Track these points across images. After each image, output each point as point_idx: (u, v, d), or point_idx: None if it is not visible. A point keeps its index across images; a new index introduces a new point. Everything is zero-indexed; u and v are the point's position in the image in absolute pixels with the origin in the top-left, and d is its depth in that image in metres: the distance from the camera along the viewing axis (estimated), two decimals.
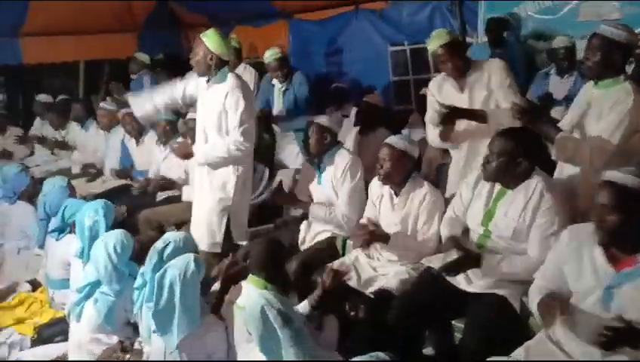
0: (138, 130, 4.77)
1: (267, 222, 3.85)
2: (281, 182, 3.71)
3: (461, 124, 2.95)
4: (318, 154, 3.33)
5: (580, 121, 2.49)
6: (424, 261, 2.68)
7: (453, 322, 2.54)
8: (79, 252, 3.08)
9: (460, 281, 2.48)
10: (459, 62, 2.92)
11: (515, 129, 2.45)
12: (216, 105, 3.22)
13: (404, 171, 2.86)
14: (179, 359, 2.36)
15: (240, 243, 3.39)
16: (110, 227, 3.02)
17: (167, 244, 2.54)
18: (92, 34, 6.39)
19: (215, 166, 3.33)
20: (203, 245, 3.20)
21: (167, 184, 4.33)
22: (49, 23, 5.92)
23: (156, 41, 6.72)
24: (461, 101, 2.93)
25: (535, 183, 2.38)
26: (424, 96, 4.46)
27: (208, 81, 3.27)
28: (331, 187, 3.25)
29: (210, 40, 3.19)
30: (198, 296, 2.37)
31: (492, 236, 2.45)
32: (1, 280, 3.84)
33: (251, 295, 2.25)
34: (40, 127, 5.89)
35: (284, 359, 2.07)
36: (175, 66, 6.35)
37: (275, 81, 4.80)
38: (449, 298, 2.48)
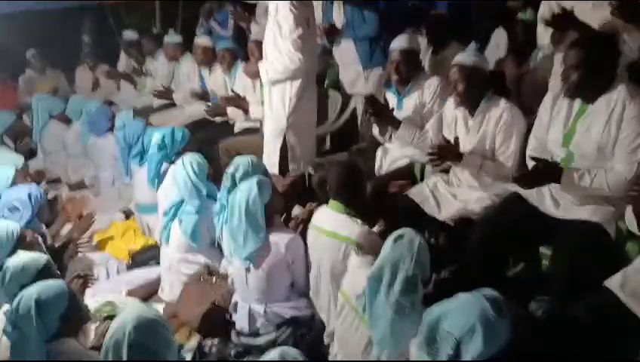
0: (208, 60, 4.78)
1: (343, 150, 3.79)
2: (355, 110, 3.60)
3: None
4: (405, 82, 3.11)
5: None
6: (509, 186, 2.52)
7: (541, 249, 2.41)
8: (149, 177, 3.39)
9: (548, 207, 2.33)
10: None
11: (588, 36, 2.23)
12: (272, 18, 3.22)
13: (479, 88, 2.65)
14: (256, 275, 2.49)
15: (293, 171, 3.40)
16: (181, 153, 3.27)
17: (237, 168, 2.72)
18: None
19: (275, 82, 3.31)
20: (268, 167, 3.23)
21: (236, 99, 4.26)
22: None
23: None
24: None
25: (617, 93, 2.15)
26: (507, 10, 4.13)
27: None
28: (416, 112, 3.08)
29: None
30: (262, 214, 2.47)
31: (575, 157, 2.25)
32: (99, 210, 4.13)
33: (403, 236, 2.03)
34: (125, 62, 6.10)
35: (379, 320, 1.94)
36: None
37: None
38: (536, 224, 2.34)
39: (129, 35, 6.01)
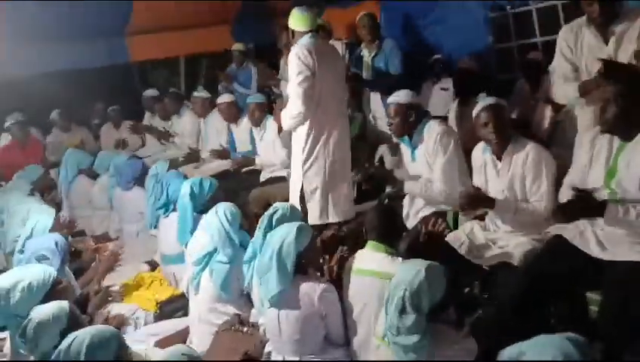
0: (234, 116, 4.90)
1: (370, 199, 3.77)
2: (382, 158, 3.60)
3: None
4: (405, 134, 3.16)
5: None
6: (551, 229, 2.46)
7: (587, 294, 2.33)
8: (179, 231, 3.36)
9: (593, 249, 2.26)
10: (609, 6, 2.57)
11: (622, 71, 2.25)
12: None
13: (508, 126, 2.70)
14: (289, 325, 2.40)
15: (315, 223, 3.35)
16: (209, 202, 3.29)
17: (276, 211, 2.76)
18: (190, 29, 6.60)
19: (292, 128, 3.43)
20: None
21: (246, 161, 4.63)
22: (151, 21, 6.19)
23: (248, 31, 6.83)
24: (603, 53, 2.59)
25: None
26: (530, 62, 4.20)
27: None
28: (425, 163, 3.10)
29: (289, 18, 3.41)
30: (294, 261, 2.42)
31: (618, 196, 2.22)
32: (123, 261, 4.10)
33: (410, 265, 2.16)
34: (149, 120, 6.20)
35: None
36: (268, 55, 6.50)
37: (364, 52, 4.57)
38: (581, 267, 2.27)
39: (150, 93, 6.17)
